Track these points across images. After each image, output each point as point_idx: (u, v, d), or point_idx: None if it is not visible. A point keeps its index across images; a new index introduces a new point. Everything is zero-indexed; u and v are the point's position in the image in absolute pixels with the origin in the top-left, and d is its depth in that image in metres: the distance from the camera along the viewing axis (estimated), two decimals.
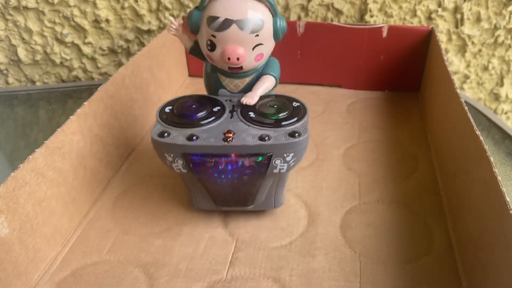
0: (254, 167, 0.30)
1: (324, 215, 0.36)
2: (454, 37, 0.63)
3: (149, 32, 0.58)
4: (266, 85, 0.33)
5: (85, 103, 0.37)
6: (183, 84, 0.57)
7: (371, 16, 0.60)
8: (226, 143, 0.30)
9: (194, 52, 0.34)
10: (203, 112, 0.32)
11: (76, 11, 0.55)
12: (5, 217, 0.28)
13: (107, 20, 0.56)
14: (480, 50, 0.64)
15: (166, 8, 0.57)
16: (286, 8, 0.59)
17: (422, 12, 0.61)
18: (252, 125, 0.31)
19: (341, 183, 0.39)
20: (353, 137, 0.46)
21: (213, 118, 0.32)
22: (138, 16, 0.56)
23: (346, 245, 0.33)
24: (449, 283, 0.30)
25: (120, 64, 0.60)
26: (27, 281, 0.30)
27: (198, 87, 0.56)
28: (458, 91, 0.37)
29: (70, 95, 0.59)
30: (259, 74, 0.33)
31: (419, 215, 0.36)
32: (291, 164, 0.31)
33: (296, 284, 0.30)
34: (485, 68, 0.66)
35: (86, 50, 0.58)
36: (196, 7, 0.31)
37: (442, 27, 0.62)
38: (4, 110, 0.56)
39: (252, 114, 0.32)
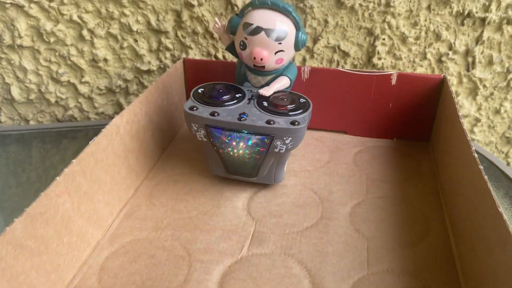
0: (259, 144, 0.38)
1: (329, 287, 0.33)
2: (465, 80, 0.60)
3: (148, 72, 0.56)
4: (281, 83, 0.41)
5: (74, 160, 0.35)
6: (182, 126, 0.54)
7: (379, 58, 0.58)
8: (239, 121, 0.37)
9: (230, 49, 0.43)
10: (227, 96, 0.40)
11: (72, 50, 0.53)
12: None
13: (105, 60, 0.54)
14: (492, 93, 0.62)
15: (167, 49, 0.55)
16: None
17: (432, 55, 0.58)
18: (263, 112, 0.39)
19: (348, 248, 0.36)
20: (361, 192, 0.43)
21: (234, 101, 0.40)
22: (138, 56, 0.54)
23: None
24: None
25: (118, 104, 0.57)
26: None
27: None
28: (475, 155, 0.34)
29: (65, 135, 0.57)
30: (279, 75, 0.41)
31: None
32: (289, 147, 0.38)
33: None
34: (497, 112, 0.64)
35: (83, 89, 0.56)
36: (236, 14, 0.41)
37: (453, 70, 0.60)
38: None
39: (265, 103, 0.40)
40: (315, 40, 0.56)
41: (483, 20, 0.57)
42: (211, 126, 0.38)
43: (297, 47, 0.40)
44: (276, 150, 0.38)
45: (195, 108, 0.38)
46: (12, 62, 0.53)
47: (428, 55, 0.58)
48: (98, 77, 0.55)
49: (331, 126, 0.53)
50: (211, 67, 0.52)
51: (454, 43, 0.58)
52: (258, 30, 0.38)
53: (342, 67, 0.59)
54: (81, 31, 0.52)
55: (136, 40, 0.54)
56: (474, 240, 0.32)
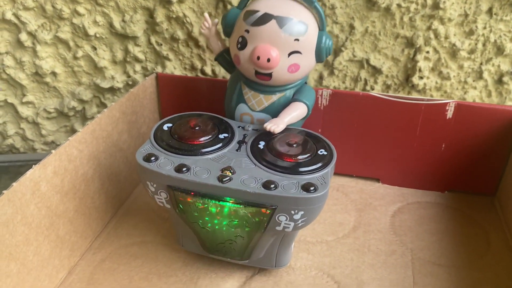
0: (251, 219, 0.26)
1: None
2: None
3: (112, 90, 0.44)
4: (296, 113, 0.30)
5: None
6: None
7: (421, 77, 0.46)
8: (220, 183, 0.26)
9: (221, 59, 0.33)
10: (206, 137, 0.29)
11: (8, 61, 0.42)
12: None
13: (54, 73, 0.43)
14: None
15: (137, 59, 0.43)
16: None
17: (490, 73, 0.46)
18: (260, 165, 0.27)
19: None
20: (406, 284, 0.29)
21: (217, 147, 0.29)
22: (97, 68, 0.43)
23: None
24: None
25: (72, 131, 0.45)
26: None
27: None
28: None
29: (5, 171, 0.46)
30: (288, 98, 0.31)
31: None
32: (299, 224, 0.26)
33: None
34: None
35: (25, 111, 0.44)
36: (236, 7, 0.31)
37: None
38: None
39: (263, 149, 0.29)
40: (337, 52, 0.44)
41: None
42: (177, 189, 0.26)
43: (319, 54, 0.30)
44: (279, 228, 0.26)
45: (153, 158, 0.27)
46: None
47: (485, 74, 0.46)
48: (46, 96, 0.43)
49: (358, 172, 0.40)
50: (194, 85, 0.41)
51: None
52: (266, 18, 0.28)
53: (372, 88, 0.46)
54: (19, 34, 0.42)
55: (94, 48, 0.44)
56: None
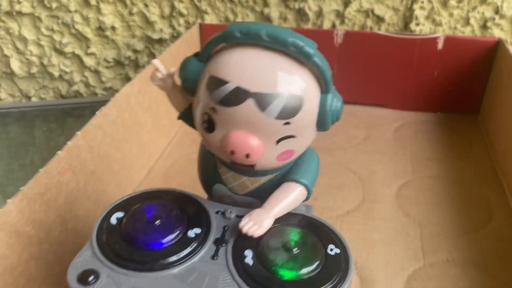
0: None
1: (380, 283, 0.28)
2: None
3: (160, 41, 0.51)
4: (289, 200, 0.21)
5: (78, 133, 0.30)
6: None
7: (417, 24, 0.52)
8: None
9: (186, 118, 0.22)
10: (169, 238, 0.19)
11: (77, 17, 0.48)
12: None
13: (113, 28, 0.49)
14: None
15: (181, 14, 0.50)
16: (319, 14, 0.51)
17: (476, 20, 0.53)
18: (246, 285, 0.18)
19: (398, 235, 0.31)
20: (406, 172, 0.38)
21: (184, 254, 0.19)
22: (149, 23, 0.49)
23: None
24: None
25: (127, 78, 0.53)
26: None
27: None
28: None
29: (70, 113, 0.53)
30: (283, 175, 0.21)
31: (503, 283, 0.27)
32: None
33: None
34: None
35: (89, 61, 0.51)
36: (195, 54, 0.20)
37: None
38: None
39: (249, 260, 0.19)
40: (346, 3, 0.51)
41: None
42: None
43: (323, 123, 0.20)
44: None
45: (92, 279, 0.18)
46: (11, 31, 0.48)
47: (472, 20, 0.53)
48: (105, 48, 0.50)
49: (366, 99, 0.47)
50: None
51: (502, 6, 0.52)
52: (240, 95, 0.18)
53: None
54: None
55: (146, 5, 0.49)
56: None
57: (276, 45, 0.18)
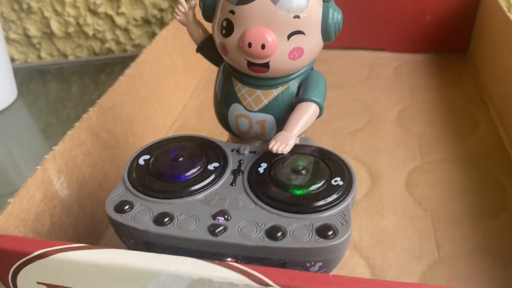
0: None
1: (387, 176, 0.34)
2: None
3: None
4: (306, 118, 0.22)
5: (132, 64, 0.36)
6: None
7: None
8: (212, 236, 0.19)
9: (204, 49, 0.25)
10: (192, 172, 0.22)
11: None
12: (64, 177, 0.27)
13: None
14: None
15: None
16: None
17: None
18: (261, 204, 0.20)
19: (400, 143, 0.38)
20: (405, 99, 0.44)
21: (206, 182, 0.21)
22: None
23: (415, 204, 0.31)
24: None
25: (153, 35, 0.58)
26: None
27: None
28: None
29: (103, 69, 0.58)
30: (293, 91, 0.23)
31: (488, 172, 0.34)
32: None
33: (368, 243, 0.28)
34: None
35: (119, 21, 0.56)
36: None
37: None
38: (37, 86, 0.55)
39: (264, 179, 0.21)
40: None
41: None
42: (159, 245, 0.20)
43: (327, 32, 0.22)
44: None
45: (127, 207, 0.20)
46: None
47: None
48: (134, 8, 0.56)
49: (368, 44, 0.53)
50: None
51: None
52: None
53: None
54: None
55: None
56: None
57: None
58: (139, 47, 0.58)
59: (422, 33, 0.51)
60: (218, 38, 0.23)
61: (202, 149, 0.23)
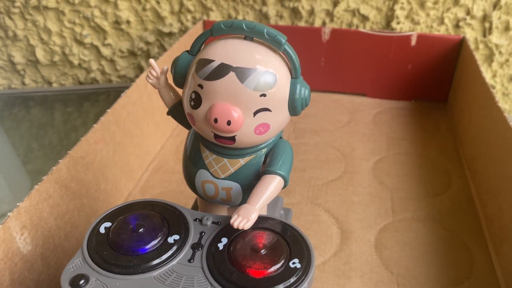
0: None
1: (357, 233, 0.34)
2: (481, 46, 0.61)
3: (170, 34, 0.57)
4: (270, 191, 0.23)
5: (109, 110, 0.36)
6: None
7: (398, 23, 0.58)
8: None
9: (174, 113, 0.26)
10: (151, 245, 0.22)
11: (96, 12, 0.54)
12: (28, 233, 0.26)
13: (128, 22, 0.55)
14: (507, 60, 0.62)
15: (188, 11, 0.56)
16: (311, 13, 0.57)
17: (449, 20, 0.59)
18: (217, 285, 0.20)
19: (373, 198, 0.38)
20: (382, 149, 0.44)
21: (163, 258, 0.21)
22: (160, 18, 0.55)
23: (382, 266, 0.31)
24: None
25: (139, 67, 0.58)
26: None
27: None
28: (500, 105, 0.35)
29: (87, 98, 0.58)
30: (260, 160, 0.24)
31: (456, 234, 0.34)
32: None
33: None
34: None
35: (105, 51, 0.56)
36: (187, 51, 0.24)
37: (470, 36, 0.60)
38: (20, 111, 0.55)
39: (222, 258, 0.21)
40: (335, 3, 0.57)
41: None
42: None
43: (293, 107, 0.23)
44: None
45: (82, 282, 0.20)
46: (37, 23, 0.54)
47: (446, 20, 0.59)
48: (121, 40, 0.56)
49: (349, 89, 0.54)
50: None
51: (472, 7, 0.58)
52: (223, 70, 0.21)
53: None
54: None
55: (158, 2, 0.54)
56: (496, 188, 0.34)
57: (254, 34, 0.22)
58: (124, 78, 0.59)
59: (403, 80, 0.52)
60: (187, 108, 0.23)
61: (164, 218, 0.23)
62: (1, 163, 0.46)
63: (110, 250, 0.21)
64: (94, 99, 0.58)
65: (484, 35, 0.60)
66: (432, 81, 0.51)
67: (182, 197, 0.38)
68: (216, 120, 0.21)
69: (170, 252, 0.21)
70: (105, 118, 0.35)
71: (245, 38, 0.22)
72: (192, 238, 0.22)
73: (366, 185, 0.39)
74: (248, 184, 0.24)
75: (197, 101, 0.22)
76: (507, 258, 0.30)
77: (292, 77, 0.23)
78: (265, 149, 0.24)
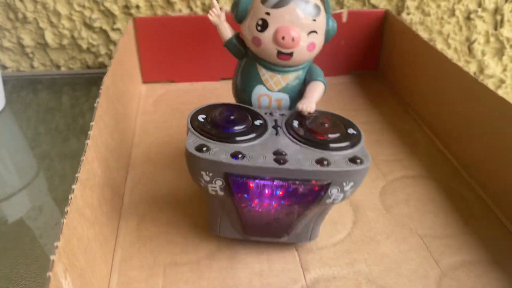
0: (307, 195, 0.26)
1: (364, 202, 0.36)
2: (492, 39, 0.60)
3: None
4: (319, 91, 0.30)
5: (92, 123, 0.31)
6: (141, 94, 0.52)
7: (408, 13, 0.58)
8: (278, 165, 0.25)
9: (231, 45, 0.31)
10: (244, 126, 0.28)
11: None
12: (69, 275, 0.23)
13: (137, 6, 0.55)
14: None
15: None
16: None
17: (460, 11, 0.59)
18: (305, 146, 0.27)
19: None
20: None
21: (257, 133, 0.27)
22: (169, 3, 0.55)
23: (398, 224, 0.34)
24: None
25: None
26: None
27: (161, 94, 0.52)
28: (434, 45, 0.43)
29: (95, 82, 0.58)
30: (302, 77, 0.31)
31: (444, 183, 0.38)
32: (347, 194, 0.27)
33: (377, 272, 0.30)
34: None
35: (114, 36, 0.56)
36: None
37: (481, 28, 0.60)
38: (28, 94, 0.55)
39: (301, 132, 0.28)
40: None
41: None
42: (234, 175, 0.25)
43: (327, 34, 0.30)
44: (329, 200, 0.27)
45: (205, 149, 0.25)
46: (46, 6, 0.54)
47: (457, 12, 0.59)
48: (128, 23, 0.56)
49: None
50: (169, 26, 0.49)
51: (484, 0, 0.58)
52: (286, 0, 0.28)
53: None
54: None
55: None
56: (456, 132, 0.41)
57: None
58: None
59: (339, 56, 0.55)
60: (252, 33, 0.29)
61: (243, 111, 0.29)
62: (8, 146, 0.46)
63: (215, 131, 0.27)
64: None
65: (496, 28, 0.59)
66: (364, 53, 0.55)
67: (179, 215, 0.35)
68: (283, 38, 0.28)
69: (260, 130, 0.28)
70: (93, 133, 0.30)
71: None
72: (270, 123, 0.29)
73: None
74: (294, 95, 0.31)
75: (264, 25, 0.29)
76: (494, 194, 0.35)
77: (326, 12, 0.30)
78: (305, 68, 0.31)
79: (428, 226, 0.33)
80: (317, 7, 0.29)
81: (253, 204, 0.27)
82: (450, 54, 0.61)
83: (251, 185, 0.26)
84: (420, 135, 0.45)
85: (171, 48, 0.51)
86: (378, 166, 0.40)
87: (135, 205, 0.35)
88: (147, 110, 0.49)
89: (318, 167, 0.25)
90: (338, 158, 0.26)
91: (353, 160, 0.26)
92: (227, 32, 0.31)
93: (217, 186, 0.26)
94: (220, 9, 0.31)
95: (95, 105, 0.32)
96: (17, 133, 0.49)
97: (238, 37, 0.31)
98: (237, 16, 0.30)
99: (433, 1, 0.57)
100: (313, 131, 0.28)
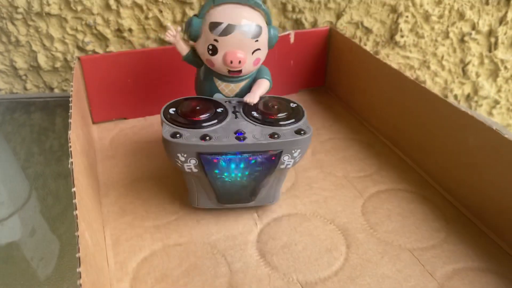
0: (264, 163, 0.32)
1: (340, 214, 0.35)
2: (486, 61, 0.60)
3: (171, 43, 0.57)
4: (263, 87, 0.36)
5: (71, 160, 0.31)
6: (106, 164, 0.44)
7: (402, 36, 0.58)
8: (239, 141, 0.31)
9: (189, 59, 0.36)
10: (208, 114, 0.33)
11: (99, 19, 0.54)
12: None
13: (130, 30, 0.55)
14: None
15: None
16: (314, 25, 0.57)
17: (454, 34, 0.59)
18: (259, 124, 0.33)
19: (338, 189, 0.41)
20: None
21: (220, 118, 0.33)
22: (162, 27, 0.55)
23: (381, 241, 0.35)
24: None
25: None
26: None
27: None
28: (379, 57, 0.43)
29: None
30: (252, 80, 0.36)
31: (415, 193, 0.40)
32: (297, 160, 0.33)
33: None
34: None
35: None
36: (195, 15, 0.34)
37: (475, 51, 0.60)
38: (21, 116, 0.55)
39: (256, 114, 0.34)
40: (339, 16, 0.56)
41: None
42: (204, 153, 0.31)
43: (270, 44, 0.35)
44: (283, 166, 0.33)
45: (178, 135, 0.31)
46: (39, 30, 0.54)
47: (451, 34, 0.59)
48: (122, 48, 0.56)
49: None
50: (114, 62, 0.46)
51: (478, 22, 0.58)
52: (230, 28, 0.32)
53: (365, 44, 0.59)
54: (108, 0, 0.53)
55: (161, 11, 0.54)
56: (409, 137, 0.43)
57: (242, 0, 0.33)
58: None
59: (288, 76, 0.55)
60: (205, 56, 0.34)
61: (207, 102, 0.35)
62: (1, 168, 0.46)
63: (184, 120, 0.33)
64: None
65: (490, 50, 0.59)
66: (311, 70, 0.56)
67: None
68: (231, 62, 0.33)
69: (222, 116, 0.33)
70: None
71: (235, 3, 0.33)
72: (229, 109, 0.34)
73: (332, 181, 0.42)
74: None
75: (214, 50, 0.33)
76: (463, 198, 0.37)
77: (267, 24, 0.34)
78: (255, 73, 0.36)
79: (414, 239, 0.34)
80: (258, 27, 0.33)
81: (223, 176, 0.32)
82: (444, 75, 0.61)
83: (219, 160, 0.31)
84: (380, 146, 0.46)
85: (118, 84, 0.48)
86: (353, 184, 0.40)
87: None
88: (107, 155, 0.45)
89: (271, 140, 0.31)
90: (286, 131, 0.32)
91: (298, 132, 0.32)
92: (183, 48, 0.36)
93: (191, 164, 0.32)
94: (175, 29, 0.36)
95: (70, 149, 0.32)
96: (10, 155, 0.49)
97: (194, 51, 0.36)
98: (190, 36, 0.34)
99: (427, 24, 0.57)
100: (265, 112, 0.34)
